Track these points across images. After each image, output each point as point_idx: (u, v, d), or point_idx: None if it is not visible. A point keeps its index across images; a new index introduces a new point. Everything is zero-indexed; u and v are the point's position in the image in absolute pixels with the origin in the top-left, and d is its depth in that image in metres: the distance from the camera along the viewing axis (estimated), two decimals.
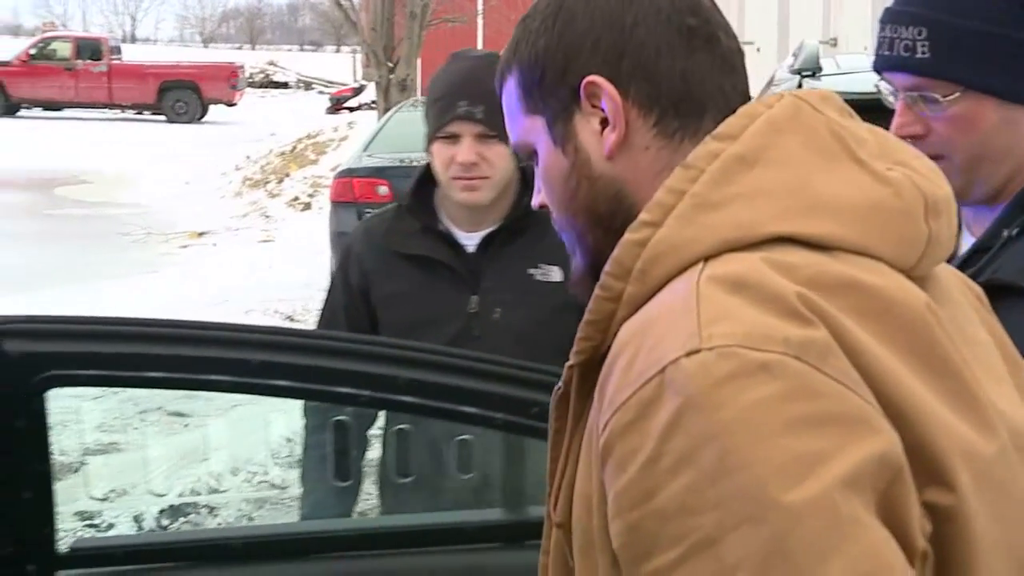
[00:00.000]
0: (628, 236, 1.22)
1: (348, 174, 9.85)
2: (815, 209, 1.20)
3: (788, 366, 1.08)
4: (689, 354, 1.09)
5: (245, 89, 33.88)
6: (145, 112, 31.72)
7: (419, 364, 2.13)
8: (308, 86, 45.27)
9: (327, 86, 42.37)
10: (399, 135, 10.33)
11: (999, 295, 1.53)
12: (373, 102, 21.51)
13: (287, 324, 9.01)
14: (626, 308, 1.20)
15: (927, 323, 1.17)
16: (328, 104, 33.04)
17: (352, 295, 2.73)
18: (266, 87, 44.25)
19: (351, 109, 30.35)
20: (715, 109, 1.30)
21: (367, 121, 20.06)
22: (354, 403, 2.25)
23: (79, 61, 31.48)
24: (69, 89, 31.30)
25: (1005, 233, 1.66)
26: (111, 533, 4.59)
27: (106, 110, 31.61)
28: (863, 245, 1.20)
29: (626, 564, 1.13)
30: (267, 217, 15.48)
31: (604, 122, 1.31)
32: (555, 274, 2.64)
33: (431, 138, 2.62)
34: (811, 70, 3.50)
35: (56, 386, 2.10)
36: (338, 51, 72.75)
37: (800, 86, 3.25)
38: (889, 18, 1.70)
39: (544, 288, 2.64)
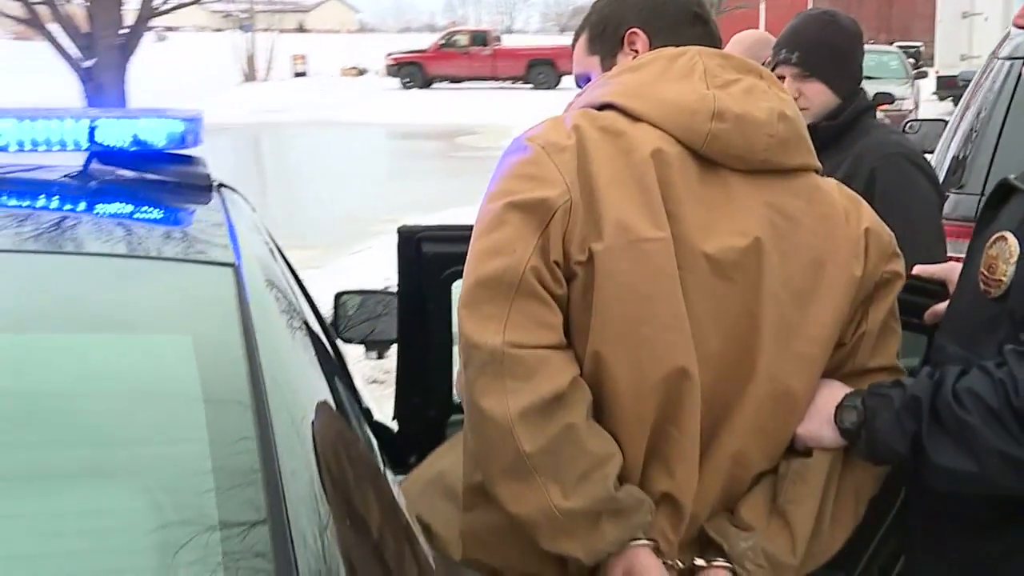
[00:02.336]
0: None
1: None
2: (638, 96, 1.48)
3: (536, 151, 1.44)
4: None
5: None
6: (517, 82, 31.75)
7: None
8: None
9: None
10: None
11: (1009, 194, 1.56)
12: None
13: None
14: None
15: (647, 163, 1.42)
16: None
17: None
18: None
19: None
20: None
21: None
22: None
23: (473, 47, 31.98)
24: (466, 67, 31.63)
25: None
26: None
27: (490, 81, 31.88)
28: (657, 121, 1.46)
29: None
30: None
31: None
32: None
33: None
34: None
35: (459, 279, 2.03)
36: None
37: None
38: None
39: None
